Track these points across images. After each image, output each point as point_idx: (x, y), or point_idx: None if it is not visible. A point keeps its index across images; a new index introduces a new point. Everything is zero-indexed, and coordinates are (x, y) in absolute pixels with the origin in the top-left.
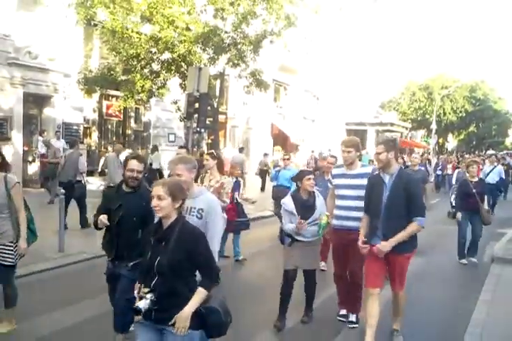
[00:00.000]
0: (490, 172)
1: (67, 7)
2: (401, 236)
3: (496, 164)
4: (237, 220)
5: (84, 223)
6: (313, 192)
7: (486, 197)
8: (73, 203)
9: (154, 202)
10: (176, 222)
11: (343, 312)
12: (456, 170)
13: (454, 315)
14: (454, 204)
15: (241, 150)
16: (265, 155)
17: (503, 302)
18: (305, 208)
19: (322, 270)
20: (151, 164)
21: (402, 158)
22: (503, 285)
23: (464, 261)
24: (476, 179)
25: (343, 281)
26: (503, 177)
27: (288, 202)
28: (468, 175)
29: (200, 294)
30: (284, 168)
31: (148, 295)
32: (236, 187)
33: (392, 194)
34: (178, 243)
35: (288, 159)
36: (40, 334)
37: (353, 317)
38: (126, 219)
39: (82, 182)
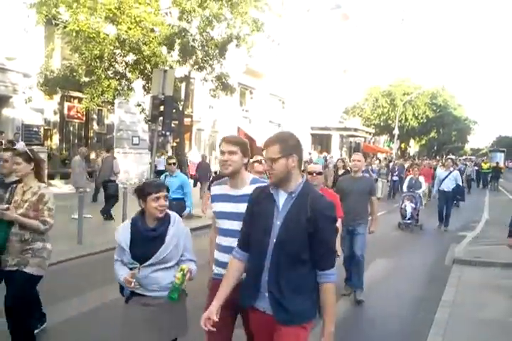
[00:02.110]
0: (445, 178)
1: (28, 7)
2: (328, 313)
3: (451, 169)
4: None
5: (107, 214)
6: (169, 216)
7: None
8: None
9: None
10: None
11: None
12: (408, 177)
13: (417, 315)
14: (407, 215)
15: (204, 157)
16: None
17: (465, 302)
18: (147, 242)
19: None
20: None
21: (343, 161)
22: (464, 285)
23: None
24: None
25: None
26: (460, 183)
27: (121, 232)
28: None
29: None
30: (171, 175)
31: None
32: None
33: (286, 224)
34: None
35: (174, 164)
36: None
37: None
38: None
39: (116, 181)
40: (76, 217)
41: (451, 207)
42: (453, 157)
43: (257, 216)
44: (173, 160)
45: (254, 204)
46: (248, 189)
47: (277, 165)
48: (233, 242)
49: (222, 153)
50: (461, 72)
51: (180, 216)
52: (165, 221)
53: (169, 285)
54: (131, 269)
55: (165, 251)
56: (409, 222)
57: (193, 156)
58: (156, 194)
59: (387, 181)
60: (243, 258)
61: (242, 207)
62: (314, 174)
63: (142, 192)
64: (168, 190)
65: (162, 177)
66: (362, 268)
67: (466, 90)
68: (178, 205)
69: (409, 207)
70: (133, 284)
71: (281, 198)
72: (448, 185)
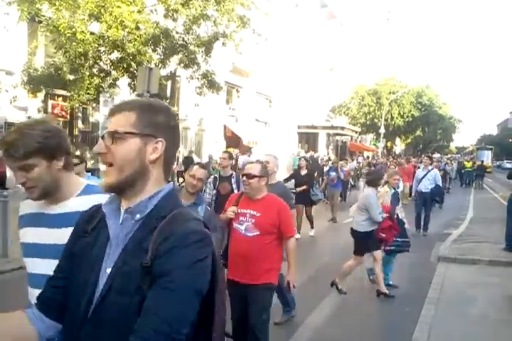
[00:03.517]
0: (423, 178)
1: (8, 5)
2: None
3: (430, 168)
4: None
5: None
6: None
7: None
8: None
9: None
10: None
11: None
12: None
13: (403, 313)
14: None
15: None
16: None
17: (450, 299)
18: None
19: None
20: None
21: (306, 160)
22: (449, 283)
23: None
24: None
25: None
26: (440, 183)
27: None
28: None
29: None
30: None
31: None
32: (395, 200)
33: (117, 273)
34: None
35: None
36: None
37: None
38: None
39: None
40: None
41: (430, 209)
42: (438, 155)
43: (79, 257)
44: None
45: (81, 233)
46: (75, 203)
47: (120, 149)
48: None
49: None
50: (446, 71)
51: None
52: None
53: None
54: None
55: None
56: None
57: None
58: None
59: None
60: (41, 328)
61: (64, 236)
62: (245, 178)
63: None
64: None
65: None
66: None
67: (451, 89)
68: None
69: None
70: None
71: (115, 221)
72: (426, 186)
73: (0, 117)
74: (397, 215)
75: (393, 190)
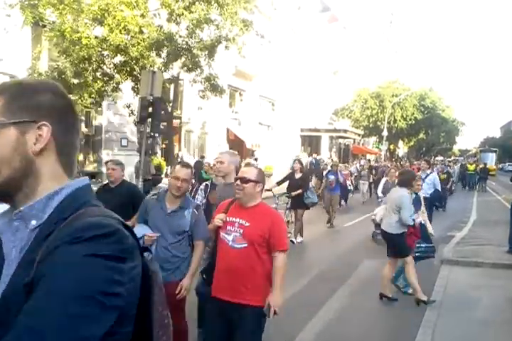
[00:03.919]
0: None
1: (10, 8)
2: None
3: (428, 172)
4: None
5: None
6: None
7: None
8: None
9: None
10: None
11: None
12: (383, 180)
13: (406, 316)
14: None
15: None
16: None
17: (453, 302)
18: None
19: None
20: None
21: (300, 163)
22: (452, 285)
23: None
24: None
25: None
26: (439, 188)
27: None
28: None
29: None
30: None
31: None
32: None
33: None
34: None
35: None
36: None
37: None
38: None
39: None
40: None
41: (431, 214)
42: (440, 158)
43: None
44: None
45: None
46: None
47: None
48: None
49: None
50: (449, 73)
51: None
52: None
53: None
54: None
55: None
56: None
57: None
58: None
59: (369, 183)
60: None
61: None
62: (239, 182)
63: None
64: None
65: None
66: None
67: (454, 92)
68: None
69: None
70: None
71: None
72: (425, 190)
73: None
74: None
75: (414, 195)
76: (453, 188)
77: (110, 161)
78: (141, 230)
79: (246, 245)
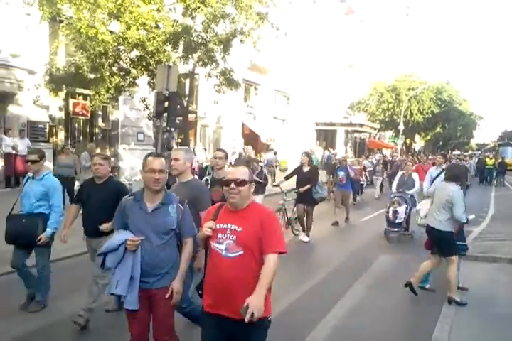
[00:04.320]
0: (436, 177)
1: (29, 5)
2: None
3: (444, 166)
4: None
5: None
6: None
7: None
8: None
9: None
10: None
11: None
12: (399, 173)
13: (423, 310)
14: (397, 221)
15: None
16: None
17: (471, 297)
18: None
19: None
20: None
21: (308, 156)
22: (469, 281)
23: None
24: None
25: None
26: None
27: None
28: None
29: None
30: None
31: None
32: None
33: None
34: None
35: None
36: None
37: None
38: None
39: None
40: None
41: None
42: (457, 152)
43: None
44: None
45: None
46: None
47: None
48: None
49: None
50: (467, 66)
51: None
52: None
53: None
54: None
55: None
56: (395, 229)
57: (199, 153)
58: None
59: (383, 179)
60: None
61: None
62: (233, 185)
63: None
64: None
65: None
66: None
67: (472, 85)
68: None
69: (396, 211)
70: None
71: None
72: None
73: (22, 116)
74: None
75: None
76: (469, 183)
77: (97, 156)
78: (122, 236)
79: (242, 252)
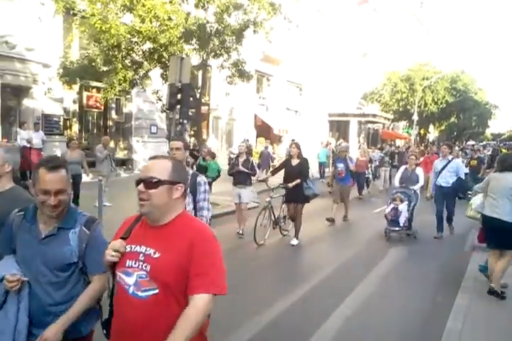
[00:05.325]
0: (442, 170)
1: None
2: None
3: (450, 157)
4: None
5: None
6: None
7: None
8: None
9: None
10: None
11: None
12: (402, 168)
13: (436, 301)
14: (399, 220)
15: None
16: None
17: (484, 288)
18: None
19: None
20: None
21: (297, 146)
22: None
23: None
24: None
25: None
26: (462, 176)
27: None
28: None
29: None
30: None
31: None
32: None
33: None
34: None
35: None
36: None
37: None
38: None
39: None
40: (97, 204)
41: (454, 204)
42: (472, 143)
43: None
44: None
45: None
46: None
47: None
48: None
49: None
50: (482, 55)
51: None
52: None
53: None
54: None
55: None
56: (397, 229)
57: (212, 144)
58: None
59: (390, 170)
60: None
61: None
62: (142, 187)
63: None
64: None
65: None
66: None
67: (487, 74)
68: None
69: (397, 209)
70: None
71: None
72: (446, 179)
73: (37, 109)
74: None
75: None
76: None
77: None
78: (1, 268)
79: (156, 291)
